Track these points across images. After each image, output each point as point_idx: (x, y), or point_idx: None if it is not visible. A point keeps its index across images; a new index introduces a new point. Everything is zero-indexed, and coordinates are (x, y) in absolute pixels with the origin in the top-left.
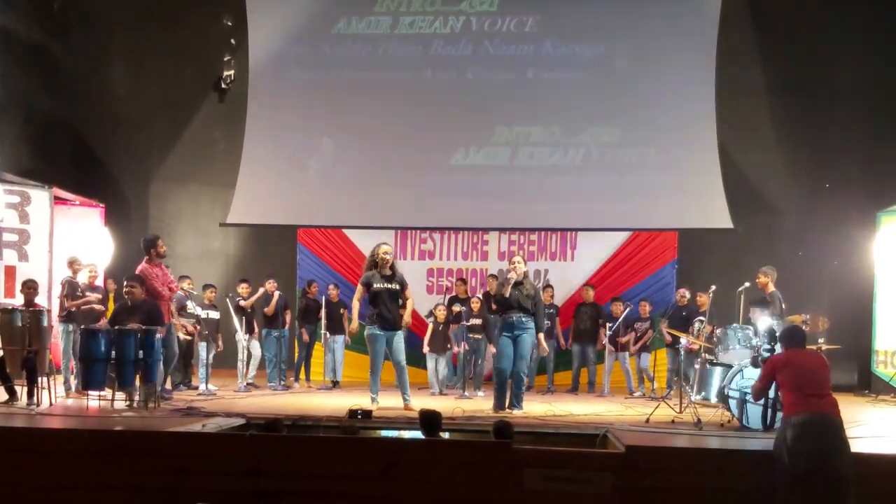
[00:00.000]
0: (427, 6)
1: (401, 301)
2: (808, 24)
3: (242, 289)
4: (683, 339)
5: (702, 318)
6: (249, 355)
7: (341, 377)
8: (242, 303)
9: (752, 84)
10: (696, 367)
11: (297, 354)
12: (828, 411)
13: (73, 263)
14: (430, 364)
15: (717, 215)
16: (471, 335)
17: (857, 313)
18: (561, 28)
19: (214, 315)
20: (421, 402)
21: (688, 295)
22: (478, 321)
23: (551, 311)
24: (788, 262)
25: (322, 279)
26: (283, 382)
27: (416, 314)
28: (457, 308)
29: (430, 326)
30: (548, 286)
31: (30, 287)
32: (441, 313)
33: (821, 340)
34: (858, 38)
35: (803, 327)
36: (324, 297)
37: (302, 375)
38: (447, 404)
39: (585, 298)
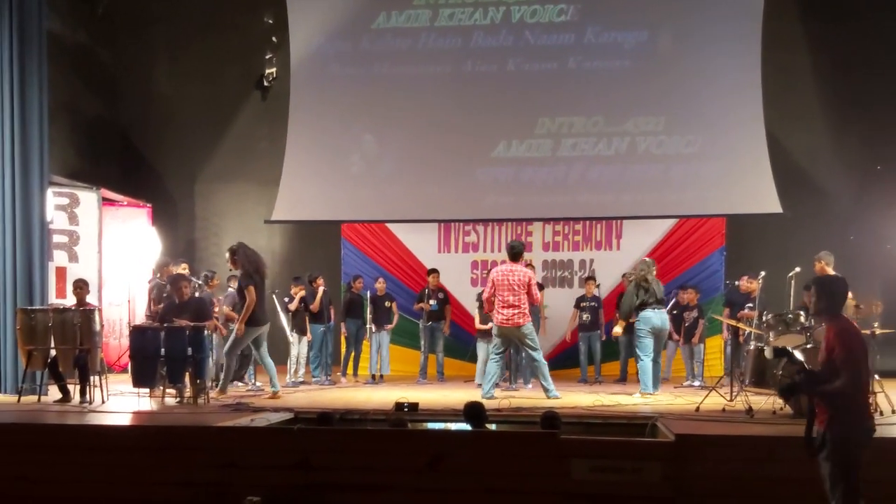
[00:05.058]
0: None
1: None
2: (854, 4)
3: (296, 289)
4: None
5: (751, 304)
6: (298, 354)
7: (389, 371)
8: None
9: (799, 67)
10: (747, 353)
11: (343, 349)
12: None
13: (163, 267)
14: (482, 353)
15: (766, 200)
16: None
17: None
18: (602, 15)
19: None
20: (467, 394)
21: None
22: None
23: (594, 303)
24: (839, 245)
25: (366, 274)
26: (328, 377)
27: (462, 306)
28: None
29: (479, 314)
30: (590, 278)
31: (81, 286)
32: None
33: (875, 324)
34: None
35: (856, 310)
36: (369, 292)
37: (350, 370)
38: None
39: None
